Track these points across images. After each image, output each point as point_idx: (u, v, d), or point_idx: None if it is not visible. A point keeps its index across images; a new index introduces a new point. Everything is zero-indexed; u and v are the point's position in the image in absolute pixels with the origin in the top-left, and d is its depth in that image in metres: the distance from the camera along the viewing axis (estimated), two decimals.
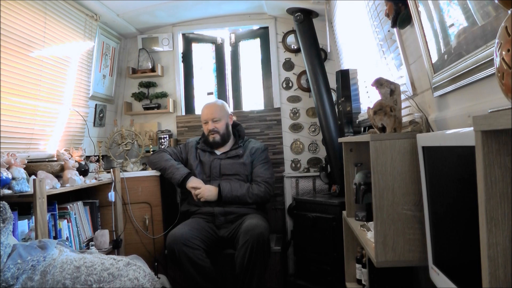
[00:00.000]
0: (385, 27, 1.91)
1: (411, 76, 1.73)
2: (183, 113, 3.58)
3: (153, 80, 3.55)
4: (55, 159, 2.45)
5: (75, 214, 2.50)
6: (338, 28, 2.98)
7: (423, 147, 1.26)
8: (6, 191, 1.92)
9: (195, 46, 3.71)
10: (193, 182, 2.83)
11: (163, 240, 2.88)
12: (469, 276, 0.97)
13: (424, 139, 1.26)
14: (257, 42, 3.63)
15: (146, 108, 3.50)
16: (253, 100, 3.69)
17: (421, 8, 1.40)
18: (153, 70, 3.48)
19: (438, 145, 1.13)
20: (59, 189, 2.20)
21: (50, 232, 2.22)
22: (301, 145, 3.43)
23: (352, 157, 2.12)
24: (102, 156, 3.04)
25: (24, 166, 2.07)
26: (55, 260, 1.71)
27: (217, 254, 2.72)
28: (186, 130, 3.51)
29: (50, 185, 2.14)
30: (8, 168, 1.97)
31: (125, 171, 3.07)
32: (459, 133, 0.95)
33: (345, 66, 3.00)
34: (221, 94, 3.67)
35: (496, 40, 0.67)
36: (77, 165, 2.43)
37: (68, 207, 2.45)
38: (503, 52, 0.64)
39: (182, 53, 3.63)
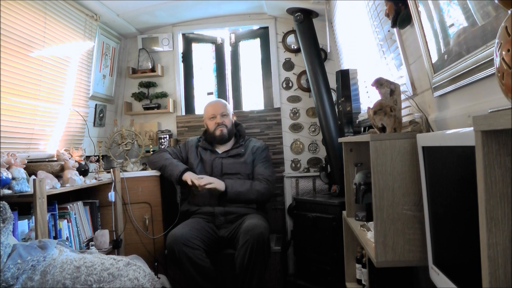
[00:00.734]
0: (385, 27, 1.91)
1: (411, 76, 1.73)
2: (183, 113, 3.58)
3: (153, 80, 3.55)
4: (55, 159, 2.45)
5: (75, 214, 2.50)
6: (338, 28, 2.98)
7: (423, 147, 1.26)
8: (6, 191, 1.92)
9: (195, 46, 3.71)
10: (191, 175, 2.81)
11: (163, 240, 2.87)
12: (469, 276, 0.97)
13: (424, 139, 1.26)
14: (257, 42, 3.63)
15: (146, 108, 3.50)
16: (253, 100, 3.69)
17: (421, 8, 1.40)
18: (153, 70, 3.48)
19: (438, 145, 1.13)
20: (59, 189, 2.20)
21: (50, 232, 2.22)
22: (301, 145, 3.43)
23: (352, 157, 2.12)
24: (102, 156, 3.04)
25: (24, 166, 2.07)
26: (55, 260, 1.71)
27: (217, 254, 2.72)
28: (186, 130, 3.51)
29: (50, 185, 2.14)
30: (8, 168, 1.97)
31: (125, 171, 3.07)
32: (459, 133, 0.95)
33: (345, 66, 3.00)
34: (221, 94, 3.67)
35: (496, 40, 0.67)
36: (77, 165, 2.43)
37: (68, 207, 2.45)
38: (503, 52, 0.64)
39: (182, 53, 3.63)
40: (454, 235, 1.06)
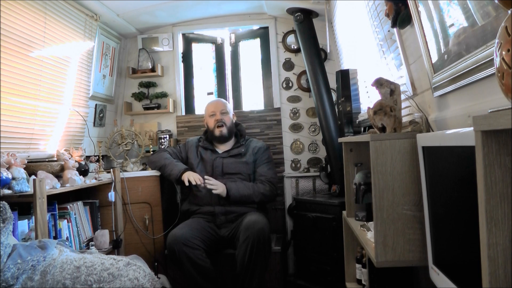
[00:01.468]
0: (385, 27, 1.91)
1: (411, 76, 1.73)
2: (183, 113, 3.58)
3: (153, 80, 3.55)
4: (55, 159, 2.45)
5: (75, 214, 2.50)
6: (338, 28, 2.98)
7: (423, 147, 1.26)
8: (6, 191, 1.92)
9: (195, 46, 3.71)
10: (190, 175, 2.81)
11: (163, 240, 2.88)
12: (469, 276, 0.97)
13: (424, 139, 1.26)
14: (257, 42, 3.63)
15: (146, 108, 3.50)
16: (253, 100, 3.69)
17: (421, 8, 1.40)
18: (153, 70, 3.48)
19: (438, 145, 1.13)
20: (59, 189, 2.20)
21: (50, 232, 2.22)
22: (301, 145, 3.43)
23: (352, 157, 2.12)
24: (102, 156, 3.04)
25: (24, 166, 2.07)
26: (55, 260, 1.71)
27: (218, 254, 2.72)
28: (186, 130, 3.51)
29: (50, 185, 2.14)
30: (8, 168, 1.97)
31: (125, 171, 3.07)
32: (459, 133, 0.95)
33: (345, 66, 3.00)
34: (221, 94, 3.67)
35: (496, 40, 0.67)
36: (77, 165, 2.43)
37: (68, 207, 2.45)
38: (503, 52, 0.64)
39: (182, 53, 3.63)
40: (454, 235, 1.06)
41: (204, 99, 3.63)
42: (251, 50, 3.68)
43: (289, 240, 3.28)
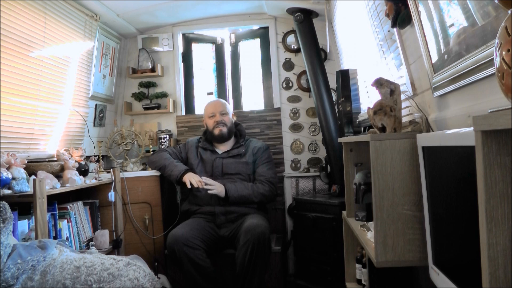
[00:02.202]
0: (385, 27, 1.91)
1: (411, 76, 1.73)
2: (183, 113, 3.58)
3: (153, 80, 3.55)
4: (55, 159, 2.45)
5: (75, 214, 2.50)
6: (338, 28, 2.98)
7: (423, 147, 1.26)
8: (6, 191, 1.92)
9: (195, 46, 3.71)
10: (191, 176, 2.82)
11: (163, 240, 2.88)
12: (469, 276, 0.97)
13: (424, 139, 1.26)
14: (257, 42, 3.63)
15: (146, 108, 3.50)
16: (253, 100, 3.69)
17: (421, 8, 1.40)
18: (153, 70, 3.48)
19: (438, 145, 1.13)
20: (59, 189, 2.20)
21: (50, 232, 2.22)
22: (301, 145, 3.43)
23: (352, 157, 2.12)
24: (102, 156, 3.04)
25: (24, 166, 2.07)
26: (55, 260, 1.71)
27: (218, 254, 2.72)
28: (186, 130, 3.51)
29: (50, 185, 2.14)
30: (8, 168, 1.97)
31: (125, 171, 3.07)
32: (459, 133, 0.95)
33: (345, 66, 3.00)
34: (221, 94, 3.67)
35: (496, 40, 0.67)
36: (77, 165, 2.43)
37: (68, 207, 2.45)
38: (503, 52, 0.64)
39: (182, 53, 3.63)
40: (454, 235, 1.06)
41: (204, 99, 3.63)
42: (251, 50, 3.68)
43: (289, 240, 3.28)
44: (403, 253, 1.41)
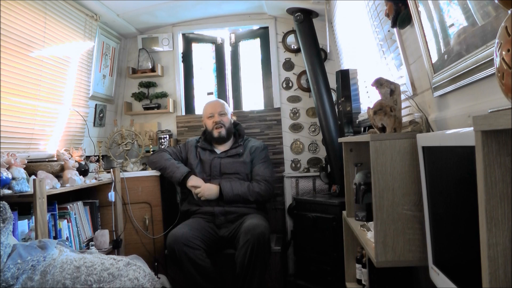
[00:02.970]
0: (385, 27, 1.91)
1: (411, 76, 1.73)
2: (183, 113, 3.58)
3: (153, 80, 3.55)
4: (55, 159, 2.45)
5: (75, 214, 2.50)
6: (338, 28, 2.98)
7: (423, 147, 1.26)
8: (6, 191, 1.92)
9: (195, 46, 3.71)
10: (193, 181, 2.84)
11: (163, 240, 2.88)
12: (469, 276, 0.97)
13: (424, 139, 1.26)
14: (257, 42, 3.63)
15: (146, 108, 3.51)
16: (253, 100, 3.69)
17: (421, 8, 1.40)
18: (153, 70, 3.48)
19: (438, 145, 1.12)
20: (59, 189, 2.20)
21: (50, 232, 2.22)
22: (301, 145, 3.43)
23: (352, 157, 2.12)
24: (102, 156, 3.04)
25: (24, 166, 2.07)
26: (55, 260, 1.71)
27: (218, 254, 2.72)
28: (186, 130, 3.51)
29: (50, 185, 2.14)
30: (8, 168, 1.97)
31: (125, 171, 3.07)
32: (459, 133, 0.95)
33: (345, 66, 3.00)
34: (221, 94, 3.67)
35: (496, 40, 0.67)
36: (77, 165, 2.43)
37: (68, 207, 2.45)
38: (503, 52, 0.64)
39: (182, 53, 3.63)
40: (454, 235, 1.06)
41: (204, 99, 3.63)
42: (251, 50, 3.68)
43: (289, 240, 3.28)
44: (403, 253, 1.41)
